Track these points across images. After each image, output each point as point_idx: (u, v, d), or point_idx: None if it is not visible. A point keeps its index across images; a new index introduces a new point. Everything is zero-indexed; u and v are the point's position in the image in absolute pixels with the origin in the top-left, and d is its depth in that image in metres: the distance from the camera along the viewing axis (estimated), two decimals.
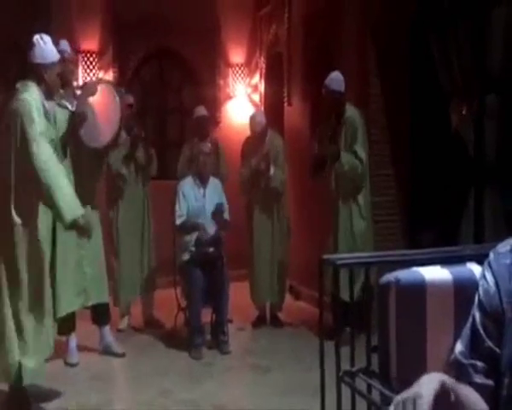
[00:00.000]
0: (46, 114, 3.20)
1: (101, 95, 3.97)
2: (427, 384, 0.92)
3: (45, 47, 3.24)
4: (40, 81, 3.20)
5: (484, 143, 3.26)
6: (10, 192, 3.05)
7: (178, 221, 4.33)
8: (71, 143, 3.74)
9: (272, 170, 4.61)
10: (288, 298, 5.09)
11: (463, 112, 3.49)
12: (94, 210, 3.97)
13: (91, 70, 5.99)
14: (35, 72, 3.19)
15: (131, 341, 4.43)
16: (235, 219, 4.71)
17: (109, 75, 6.08)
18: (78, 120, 3.72)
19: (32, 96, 3.11)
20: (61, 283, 3.70)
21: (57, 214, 3.08)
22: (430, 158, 3.95)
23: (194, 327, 4.12)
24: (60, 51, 3.85)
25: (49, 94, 3.30)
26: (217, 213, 4.33)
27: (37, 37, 3.23)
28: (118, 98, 3.91)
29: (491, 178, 3.21)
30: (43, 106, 3.18)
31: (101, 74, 6.07)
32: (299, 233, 5.12)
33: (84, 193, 3.83)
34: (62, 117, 3.74)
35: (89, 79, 5.85)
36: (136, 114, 4.84)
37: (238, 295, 4.69)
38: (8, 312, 3.01)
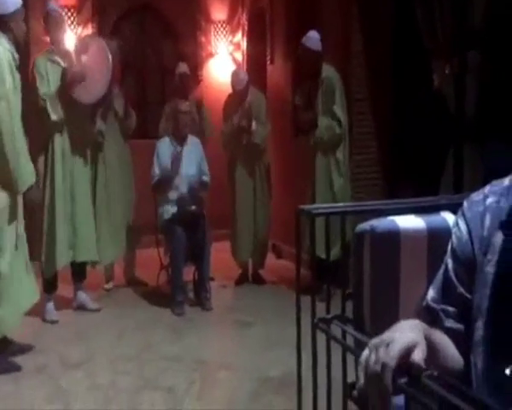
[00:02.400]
0: (17, 65, 3.14)
1: (94, 52, 3.92)
2: (401, 330, 0.94)
3: None
4: (6, 31, 3.12)
5: (464, 100, 3.27)
6: None
7: (152, 181, 4.32)
8: (64, 100, 3.75)
9: (254, 126, 4.59)
10: (271, 256, 5.15)
11: (446, 71, 3.48)
12: (86, 167, 3.98)
13: (70, 25, 5.82)
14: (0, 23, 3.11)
15: (114, 299, 4.47)
16: (217, 179, 4.70)
17: (88, 31, 5.92)
18: (73, 80, 3.70)
19: (2, 49, 3.04)
20: (60, 234, 3.80)
21: (14, 178, 3.02)
22: (411, 116, 3.96)
23: (177, 284, 4.15)
24: (47, 11, 3.80)
25: (16, 43, 3.22)
26: (191, 193, 4.26)
27: None
28: (109, 55, 3.88)
29: (471, 135, 3.23)
30: (14, 57, 3.11)
31: (79, 30, 5.90)
32: (281, 192, 5.14)
33: (77, 149, 3.89)
34: (54, 73, 3.75)
35: (68, 34, 5.69)
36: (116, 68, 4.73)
37: (220, 254, 4.73)
38: None
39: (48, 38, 4.06)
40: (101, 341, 3.75)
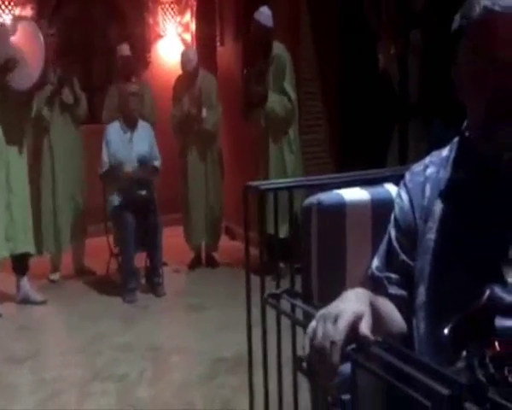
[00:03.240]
0: None
1: (23, 33, 3.71)
2: (347, 300, 0.95)
3: None
4: None
5: (408, 78, 3.35)
6: None
7: (100, 171, 4.20)
8: None
9: (204, 112, 4.52)
10: (224, 238, 5.11)
11: (391, 51, 3.54)
12: (22, 155, 3.80)
13: (7, 7, 5.53)
14: None
15: (61, 289, 4.31)
16: (167, 163, 4.61)
17: (26, 12, 5.64)
18: (7, 66, 3.49)
19: None
20: None
21: None
22: (358, 96, 4.02)
23: (128, 271, 4.06)
24: None
25: None
26: (141, 175, 4.17)
27: None
28: (41, 35, 3.68)
29: (415, 112, 3.31)
30: None
31: (17, 11, 5.61)
32: (233, 174, 5.11)
33: (11, 136, 3.68)
34: None
35: (5, 17, 5.41)
36: (59, 50, 4.53)
37: (172, 239, 4.66)
38: None
39: None
40: (47, 334, 3.64)
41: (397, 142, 3.35)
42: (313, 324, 0.92)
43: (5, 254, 3.75)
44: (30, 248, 3.86)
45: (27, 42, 3.71)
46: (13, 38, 3.67)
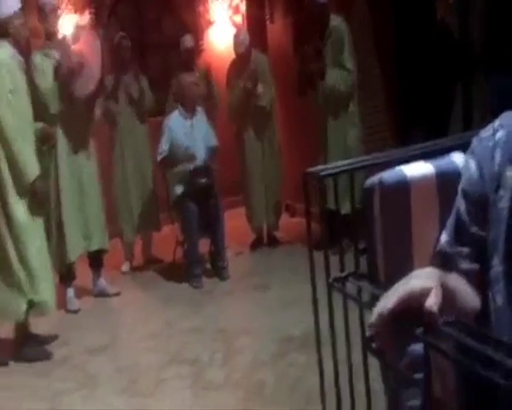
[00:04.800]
0: (21, 67, 3.16)
1: (84, 42, 3.86)
2: (416, 278, 0.91)
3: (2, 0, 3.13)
4: (6, 36, 3.12)
5: (469, 30, 3.15)
6: None
7: (158, 157, 4.29)
8: (61, 93, 3.71)
9: (260, 88, 4.52)
10: (285, 216, 5.11)
11: (449, 1, 3.36)
12: (91, 157, 3.97)
13: (66, 14, 5.71)
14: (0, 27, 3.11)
15: (132, 280, 4.49)
16: (225, 147, 4.65)
17: (85, 17, 5.81)
18: (65, 73, 3.66)
19: (1, 53, 3.05)
20: (68, 229, 3.82)
21: (21, 170, 3.10)
22: (416, 53, 3.83)
23: (193, 258, 4.16)
24: (42, 3, 3.73)
25: (17, 46, 3.21)
26: (204, 162, 4.23)
27: None
28: (98, 42, 3.82)
29: (479, 65, 3.11)
30: (16, 60, 3.13)
31: (76, 16, 5.79)
32: (291, 151, 5.08)
33: (80, 140, 3.86)
34: (50, 67, 3.70)
35: (65, 22, 5.60)
36: (126, 48, 4.65)
37: (234, 221, 4.72)
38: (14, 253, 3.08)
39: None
40: (122, 324, 3.80)
41: (460, 99, 3.17)
42: (379, 302, 0.90)
43: (81, 252, 3.95)
44: (104, 244, 4.05)
45: (87, 51, 3.85)
46: (74, 47, 3.82)
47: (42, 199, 3.25)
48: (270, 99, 4.62)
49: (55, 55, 3.74)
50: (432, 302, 0.86)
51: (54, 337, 3.42)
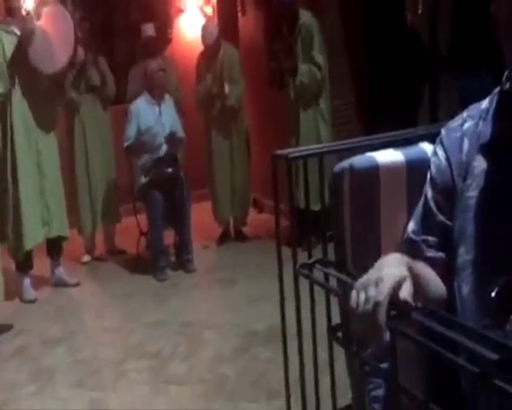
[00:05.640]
0: None
1: (50, 17, 3.70)
2: (387, 266, 0.92)
3: None
4: None
5: (437, 34, 3.23)
6: None
7: (125, 144, 4.18)
8: (21, 70, 3.53)
9: (227, 88, 4.46)
10: (252, 211, 5.07)
11: (419, 10, 3.43)
12: (53, 139, 3.82)
13: None
14: None
15: (93, 271, 4.36)
16: (192, 140, 4.58)
17: None
18: (23, 40, 3.49)
19: None
20: (27, 214, 3.62)
21: None
22: (386, 54, 3.89)
23: (158, 249, 4.07)
24: None
25: None
26: (170, 138, 4.17)
27: None
28: (69, 18, 3.66)
29: (446, 66, 3.20)
30: None
31: None
32: (259, 145, 5.05)
33: (41, 120, 3.69)
34: (10, 43, 3.53)
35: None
36: (86, 31, 4.51)
37: (200, 214, 4.65)
38: None
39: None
40: (82, 315, 3.69)
41: (427, 97, 3.25)
42: (354, 293, 0.90)
43: (41, 238, 3.77)
44: (64, 231, 3.88)
45: (55, 25, 3.69)
46: (40, 23, 3.65)
47: None
48: (238, 96, 4.56)
49: (16, 31, 3.57)
50: (407, 292, 0.87)
51: (8, 327, 3.28)
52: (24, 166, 3.62)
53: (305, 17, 4.07)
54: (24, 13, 3.79)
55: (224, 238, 4.75)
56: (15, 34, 3.58)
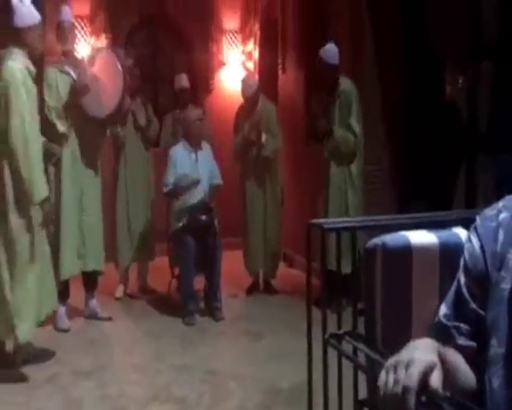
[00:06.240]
0: (32, 78, 3.19)
1: (103, 64, 3.94)
2: (417, 350, 0.93)
3: (25, 10, 3.19)
4: (23, 45, 3.16)
5: (477, 111, 3.24)
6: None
7: (164, 189, 4.32)
8: (73, 111, 3.76)
9: (264, 138, 4.58)
10: (282, 265, 5.13)
11: (459, 81, 3.45)
12: (96, 177, 4.01)
13: (83, 35, 5.88)
14: (17, 37, 3.16)
15: (125, 307, 4.49)
16: (227, 188, 4.70)
17: (101, 41, 5.97)
18: (80, 91, 3.73)
19: (17, 63, 3.09)
20: (65, 245, 3.80)
21: (29, 191, 3.08)
22: (423, 126, 3.92)
23: (187, 294, 4.15)
24: (61, 21, 3.83)
25: (34, 57, 3.27)
26: (202, 206, 4.27)
27: (15, 0, 3.17)
28: (119, 65, 3.89)
29: (484, 146, 3.19)
30: (30, 71, 3.16)
31: (92, 40, 5.96)
32: (293, 200, 5.13)
33: (87, 159, 3.90)
34: (65, 84, 3.77)
35: (81, 44, 5.75)
36: (136, 77, 4.76)
37: (231, 262, 4.72)
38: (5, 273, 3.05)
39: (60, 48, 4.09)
40: (111, 350, 3.76)
41: (464, 176, 3.23)
42: (383, 374, 0.90)
43: (76, 271, 3.93)
44: (100, 266, 4.03)
45: (106, 72, 3.92)
46: (93, 69, 3.89)
47: (46, 221, 3.25)
48: (275, 149, 4.67)
49: (71, 72, 3.79)
50: (437, 380, 0.87)
51: (40, 356, 3.36)
52: (68, 201, 3.83)
53: (345, 84, 4.14)
54: (77, 56, 4.05)
55: (253, 289, 4.80)
56: (69, 74, 3.81)
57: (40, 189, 3.12)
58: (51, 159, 3.59)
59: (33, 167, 3.07)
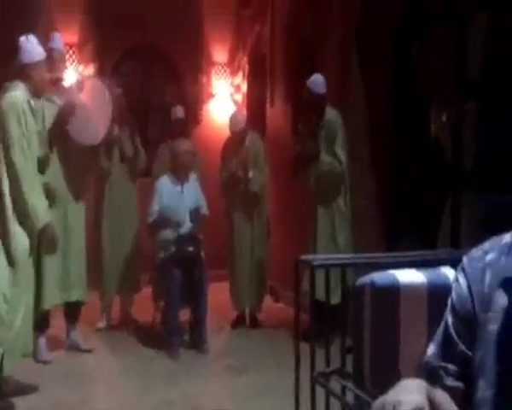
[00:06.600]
0: (33, 112, 3.27)
1: (90, 92, 3.95)
2: (405, 391, 0.92)
3: (31, 47, 3.31)
4: (28, 80, 3.26)
5: (462, 149, 3.29)
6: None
7: (149, 220, 4.29)
8: (59, 138, 3.75)
9: (251, 174, 4.59)
10: (268, 299, 5.09)
11: (443, 119, 3.52)
12: (80, 206, 3.97)
13: (71, 63, 5.90)
14: (23, 72, 3.26)
15: (107, 338, 4.39)
16: (214, 220, 4.68)
17: (89, 69, 6.01)
18: (65, 113, 3.72)
19: (18, 95, 3.17)
20: (48, 276, 3.74)
21: (31, 217, 3.15)
22: (409, 163, 3.98)
23: (172, 327, 4.09)
24: (50, 49, 3.86)
25: (37, 92, 3.36)
26: (194, 213, 4.28)
27: (23, 38, 3.30)
28: (107, 94, 3.90)
29: (469, 184, 3.24)
30: (30, 104, 3.23)
31: (80, 68, 5.99)
32: (279, 234, 5.12)
33: (73, 187, 3.87)
34: (50, 112, 3.77)
35: (69, 72, 5.78)
36: (123, 106, 4.77)
37: (217, 294, 4.68)
38: None
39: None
40: (92, 383, 3.67)
41: (449, 213, 3.27)
42: None
43: (59, 300, 3.86)
44: (82, 296, 3.97)
45: (94, 100, 3.94)
46: (80, 97, 3.90)
47: (50, 247, 3.28)
48: (262, 184, 4.68)
49: (57, 100, 3.79)
50: None
51: (21, 388, 3.27)
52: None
53: (331, 114, 4.19)
54: (65, 85, 4.07)
55: (238, 322, 4.74)
56: (56, 104, 3.81)
57: (41, 214, 3.18)
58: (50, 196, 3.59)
59: (33, 193, 3.16)
